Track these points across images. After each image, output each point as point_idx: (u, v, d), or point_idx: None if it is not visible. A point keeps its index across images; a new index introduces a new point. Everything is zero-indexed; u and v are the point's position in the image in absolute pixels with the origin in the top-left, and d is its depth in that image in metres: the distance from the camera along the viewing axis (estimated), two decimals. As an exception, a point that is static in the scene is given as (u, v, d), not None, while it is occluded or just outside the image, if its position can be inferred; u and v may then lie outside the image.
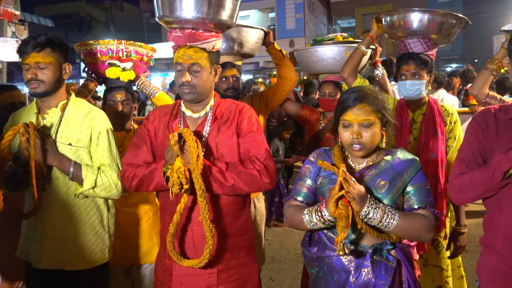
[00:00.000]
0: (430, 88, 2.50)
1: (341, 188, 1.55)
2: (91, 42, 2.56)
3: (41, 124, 2.03)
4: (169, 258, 1.88)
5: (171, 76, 21.04)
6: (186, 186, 1.70)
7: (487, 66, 2.43)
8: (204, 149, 1.85)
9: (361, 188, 1.56)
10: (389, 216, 1.57)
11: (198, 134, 1.86)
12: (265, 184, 1.81)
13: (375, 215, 1.56)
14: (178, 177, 1.69)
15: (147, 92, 2.75)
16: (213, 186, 1.78)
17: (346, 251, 1.54)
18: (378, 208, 1.57)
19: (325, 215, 1.60)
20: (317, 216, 1.62)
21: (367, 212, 1.56)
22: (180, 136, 1.72)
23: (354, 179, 1.58)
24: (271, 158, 1.86)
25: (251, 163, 1.81)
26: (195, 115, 1.92)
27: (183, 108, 1.95)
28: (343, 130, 1.70)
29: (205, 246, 1.73)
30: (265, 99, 2.98)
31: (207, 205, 1.71)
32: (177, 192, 1.70)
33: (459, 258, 2.59)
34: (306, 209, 1.68)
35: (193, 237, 1.86)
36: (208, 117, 1.91)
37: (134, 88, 2.83)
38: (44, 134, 1.97)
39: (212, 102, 1.94)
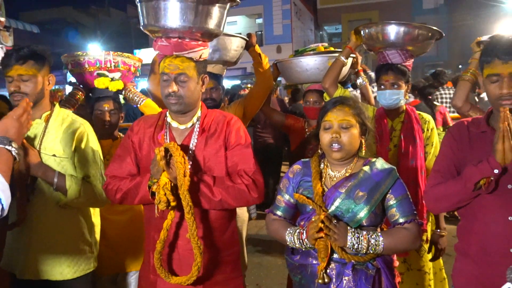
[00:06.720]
0: (407, 97, 2.58)
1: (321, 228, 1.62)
2: (79, 53, 2.60)
3: (25, 135, 2.03)
4: (153, 273, 1.83)
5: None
6: (173, 204, 1.66)
7: (463, 76, 2.47)
8: (191, 162, 1.79)
9: (341, 228, 1.62)
10: (375, 240, 1.63)
11: (185, 147, 1.80)
12: (253, 199, 1.77)
13: (360, 245, 1.61)
14: (165, 194, 1.64)
15: (135, 100, 2.73)
16: (201, 201, 1.73)
17: (326, 280, 1.63)
18: (361, 236, 1.62)
19: (306, 243, 1.68)
20: (298, 241, 1.70)
21: (353, 244, 1.61)
22: (167, 150, 1.65)
23: (335, 221, 1.63)
24: (259, 172, 1.81)
25: (239, 178, 1.76)
26: (182, 127, 1.86)
27: (169, 119, 1.88)
28: (323, 132, 1.74)
29: (194, 263, 1.68)
30: (243, 106, 2.95)
31: (195, 221, 1.67)
32: (163, 209, 1.66)
33: (441, 261, 2.65)
34: (288, 230, 1.75)
35: (179, 252, 1.81)
36: (195, 129, 1.85)
37: (121, 97, 2.84)
38: (28, 145, 1.97)
39: (199, 113, 1.88)
